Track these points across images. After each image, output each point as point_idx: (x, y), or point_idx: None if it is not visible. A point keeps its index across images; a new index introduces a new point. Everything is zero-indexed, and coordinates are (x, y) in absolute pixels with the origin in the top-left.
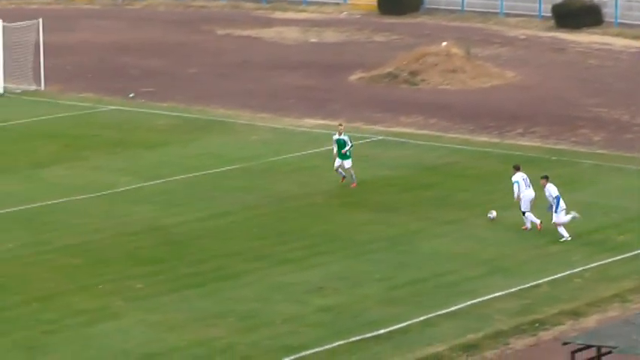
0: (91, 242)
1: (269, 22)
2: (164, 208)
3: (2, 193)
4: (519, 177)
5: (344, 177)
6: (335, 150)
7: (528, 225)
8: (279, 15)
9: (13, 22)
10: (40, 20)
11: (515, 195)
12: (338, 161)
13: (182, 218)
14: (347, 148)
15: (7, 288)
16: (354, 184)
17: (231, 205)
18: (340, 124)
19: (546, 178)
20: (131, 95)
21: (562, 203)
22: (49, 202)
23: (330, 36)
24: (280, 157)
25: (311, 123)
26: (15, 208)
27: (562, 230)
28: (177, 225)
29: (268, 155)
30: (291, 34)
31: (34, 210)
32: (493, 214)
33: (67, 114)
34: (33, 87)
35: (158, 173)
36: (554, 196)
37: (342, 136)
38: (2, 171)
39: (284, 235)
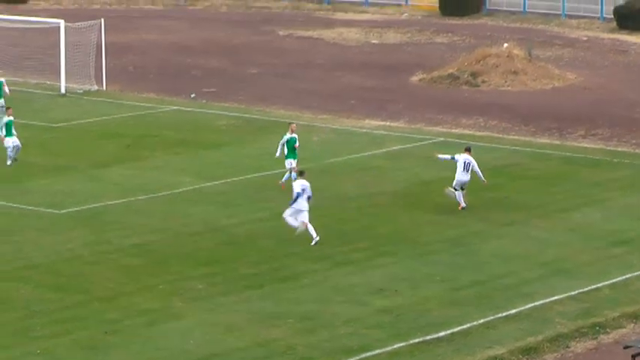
0: (151, 242)
1: (330, 23)
2: (224, 208)
3: (64, 193)
4: (462, 158)
5: (285, 182)
6: (280, 150)
7: (462, 204)
8: (340, 16)
9: (75, 23)
10: (102, 20)
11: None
12: (289, 162)
13: (242, 219)
14: (297, 144)
15: (69, 287)
16: (283, 186)
17: None
18: (292, 123)
19: (301, 173)
20: (192, 96)
21: (299, 205)
22: (111, 202)
23: (391, 37)
24: (341, 159)
25: (372, 124)
26: (77, 208)
27: (311, 230)
28: (237, 225)
29: (329, 156)
30: (353, 35)
31: (96, 210)
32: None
33: (128, 114)
34: (94, 87)
35: (218, 174)
36: (296, 191)
37: (294, 135)
38: (64, 171)
39: (345, 235)
